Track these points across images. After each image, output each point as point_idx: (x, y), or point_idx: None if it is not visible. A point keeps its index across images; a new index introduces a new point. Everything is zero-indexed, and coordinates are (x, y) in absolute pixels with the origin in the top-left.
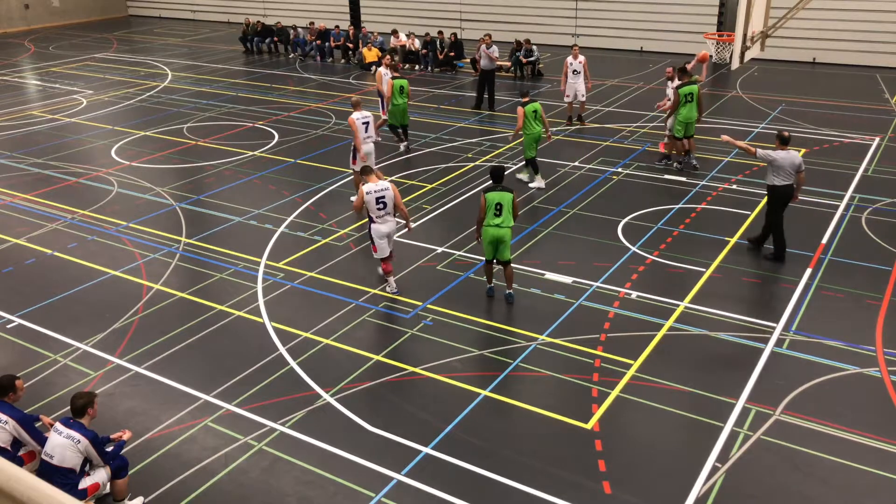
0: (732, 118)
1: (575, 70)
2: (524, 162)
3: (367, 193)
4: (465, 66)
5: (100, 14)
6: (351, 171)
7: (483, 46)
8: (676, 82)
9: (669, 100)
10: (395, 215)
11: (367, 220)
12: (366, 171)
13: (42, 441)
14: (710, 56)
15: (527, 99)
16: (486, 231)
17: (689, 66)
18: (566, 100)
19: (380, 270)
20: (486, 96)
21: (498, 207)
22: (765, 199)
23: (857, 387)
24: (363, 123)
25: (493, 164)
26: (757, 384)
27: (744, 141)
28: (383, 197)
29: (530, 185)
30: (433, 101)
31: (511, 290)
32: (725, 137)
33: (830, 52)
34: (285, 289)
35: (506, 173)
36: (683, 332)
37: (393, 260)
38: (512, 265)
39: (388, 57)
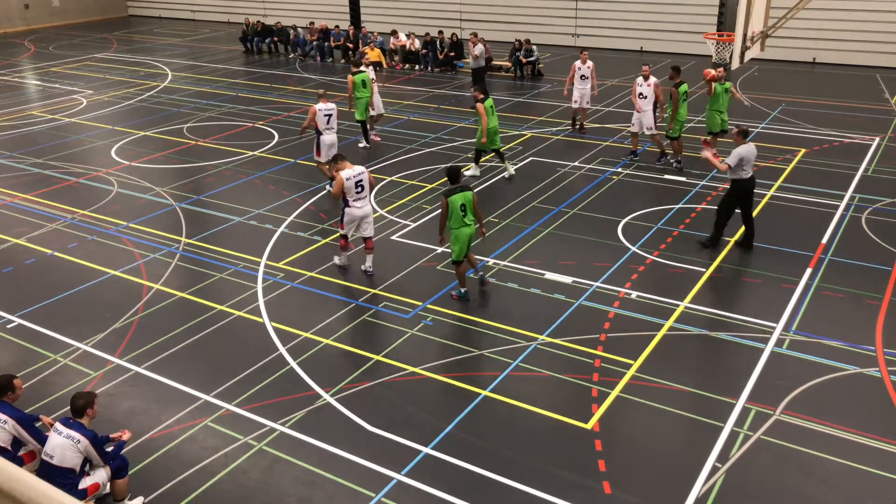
0: (732, 118)
1: (583, 75)
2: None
3: (347, 179)
4: (465, 66)
5: (100, 14)
6: (315, 163)
7: (470, 45)
8: (652, 80)
9: (644, 98)
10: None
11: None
12: (340, 158)
13: (42, 441)
14: (713, 72)
15: (482, 95)
16: (460, 232)
17: (712, 89)
18: (574, 105)
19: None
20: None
21: (463, 208)
22: (765, 200)
23: (857, 387)
24: (326, 115)
25: (448, 166)
26: (757, 384)
27: (712, 153)
28: (361, 180)
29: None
30: (433, 101)
31: (478, 269)
32: (706, 154)
33: (830, 52)
34: (285, 289)
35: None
36: (683, 332)
37: (371, 245)
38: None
39: (366, 56)
